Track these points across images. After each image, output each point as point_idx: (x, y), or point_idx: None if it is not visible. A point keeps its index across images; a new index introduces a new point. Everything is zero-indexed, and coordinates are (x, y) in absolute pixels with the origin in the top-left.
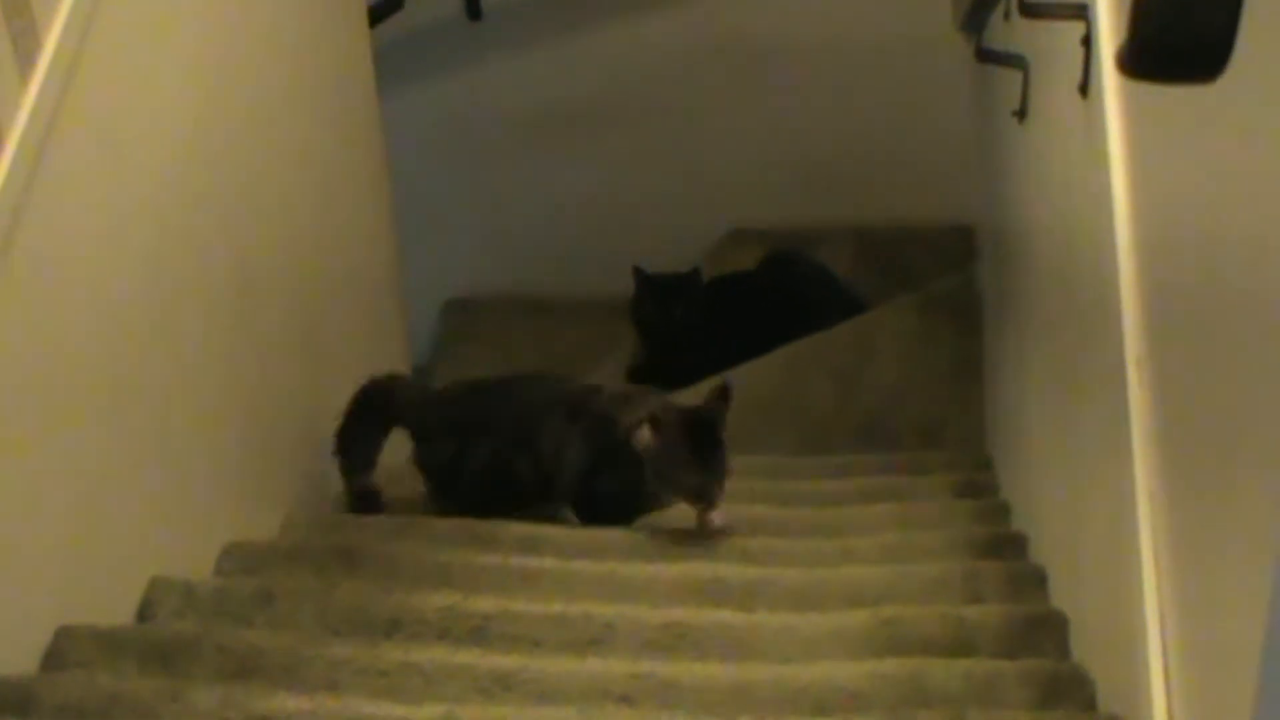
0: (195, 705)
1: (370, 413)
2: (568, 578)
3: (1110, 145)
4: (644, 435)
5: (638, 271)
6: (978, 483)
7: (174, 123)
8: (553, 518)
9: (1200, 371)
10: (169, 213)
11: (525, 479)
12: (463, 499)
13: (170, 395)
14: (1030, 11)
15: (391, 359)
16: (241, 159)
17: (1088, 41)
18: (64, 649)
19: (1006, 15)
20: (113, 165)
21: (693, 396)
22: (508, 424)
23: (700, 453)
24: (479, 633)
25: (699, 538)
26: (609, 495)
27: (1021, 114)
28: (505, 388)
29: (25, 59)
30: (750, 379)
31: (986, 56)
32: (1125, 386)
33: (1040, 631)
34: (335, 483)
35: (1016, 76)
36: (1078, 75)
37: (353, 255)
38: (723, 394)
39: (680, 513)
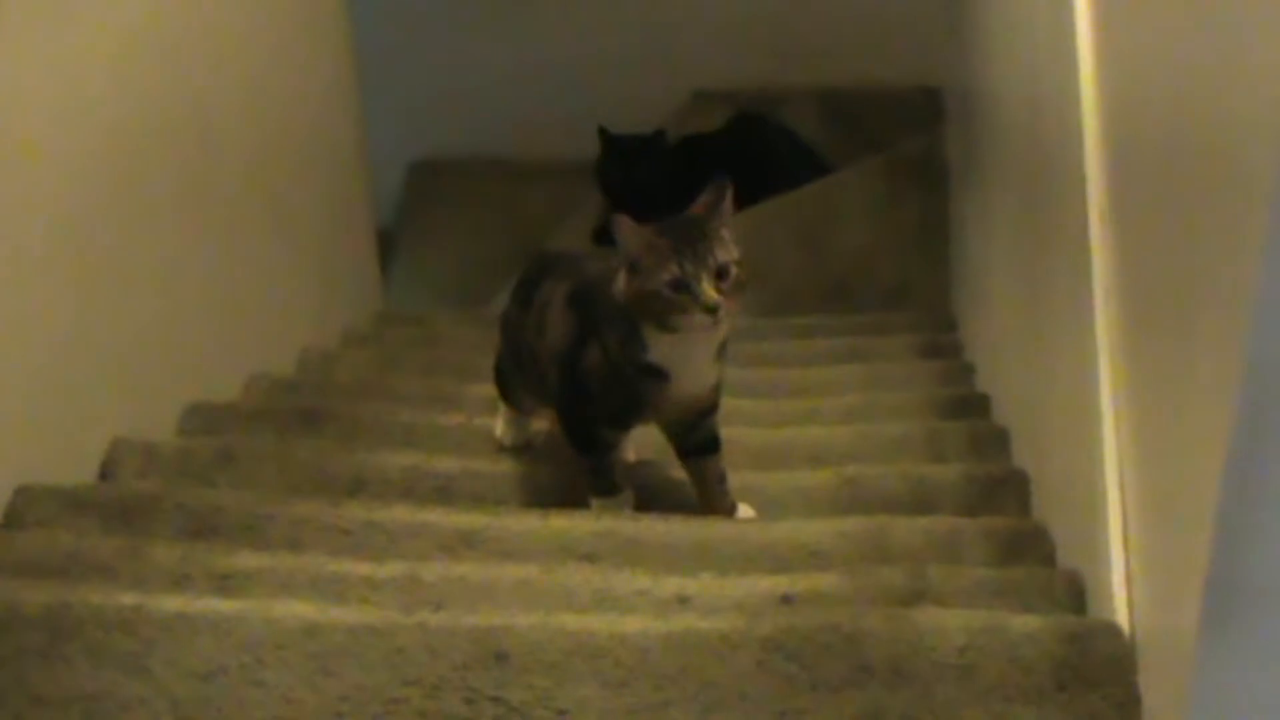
0: (155, 562)
1: None
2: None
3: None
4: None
5: (602, 132)
6: (942, 344)
7: None
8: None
9: (1162, 226)
10: (130, 75)
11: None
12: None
13: (133, 257)
14: None
15: (356, 220)
16: (202, 19)
17: None
18: (24, 507)
19: None
20: (72, 25)
21: None
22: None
23: (680, 243)
24: (442, 492)
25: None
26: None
27: None
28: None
29: None
30: None
31: None
32: (1088, 242)
33: (1002, 490)
34: (298, 343)
35: None
36: None
37: (316, 117)
38: (717, 191)
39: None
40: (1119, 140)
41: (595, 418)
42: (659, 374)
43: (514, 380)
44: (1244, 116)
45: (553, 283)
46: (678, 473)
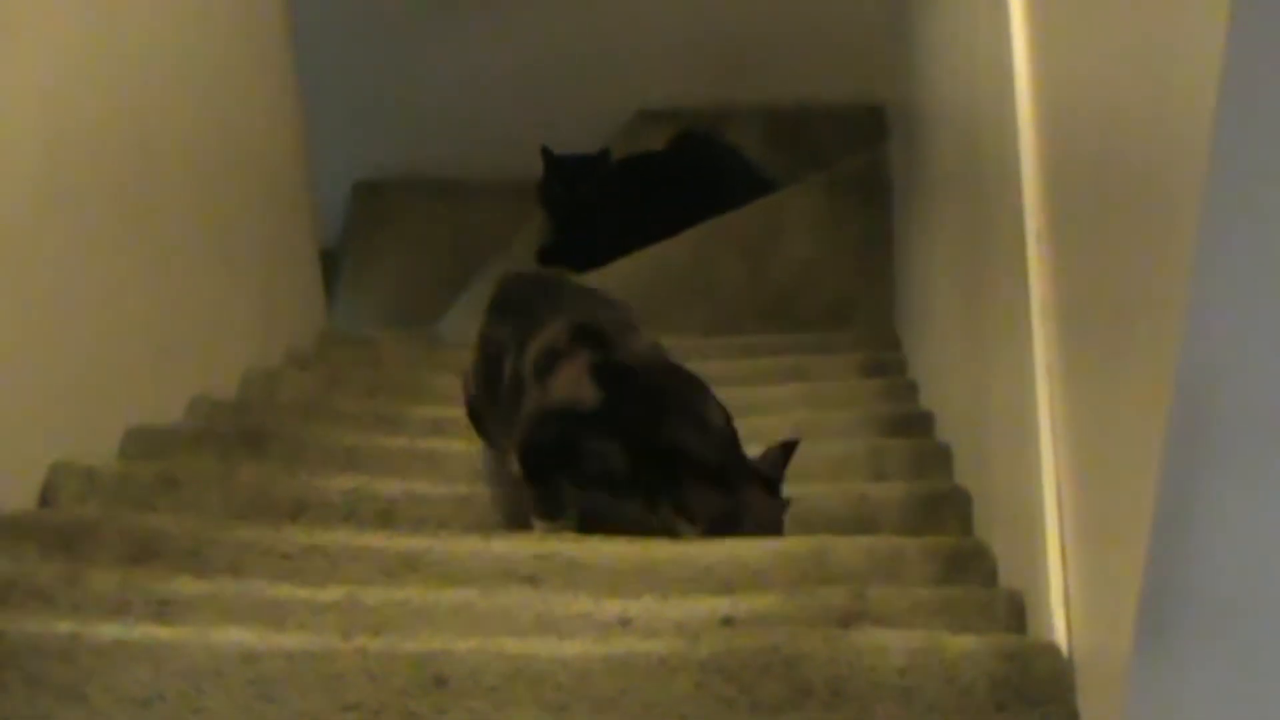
0: (94, 589)
1: None
2: (474, 460)
3: (1013, 19)
4: None
5: (546, 152)
6: (886, 362)
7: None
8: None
9: (1096, 245)
10: (67, 97)
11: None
12: None
13: (72, 279)
14: None
15: (300, 241)
16: (141, 40)
17: None
18: None
19: None
20: (4, 47)
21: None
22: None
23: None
24: (385, 515)
25: None
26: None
27: None
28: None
29: None
30: (660, 259)
31: None
32: (1025, 261)
33: (943, 508)
34: (240, 365)
35: None
36: None
37: (258, 138)
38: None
39: None
40: (1054, 160)
41: (560, 465)
42: None
43: (487, 412)
44: (1171, 135)
45: (572, 335)
46: None
